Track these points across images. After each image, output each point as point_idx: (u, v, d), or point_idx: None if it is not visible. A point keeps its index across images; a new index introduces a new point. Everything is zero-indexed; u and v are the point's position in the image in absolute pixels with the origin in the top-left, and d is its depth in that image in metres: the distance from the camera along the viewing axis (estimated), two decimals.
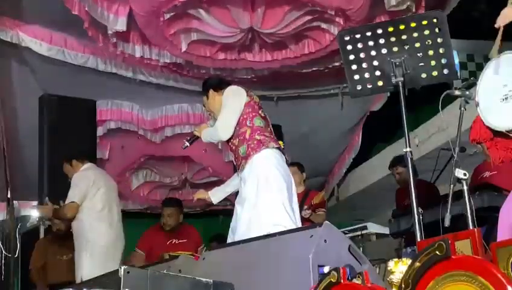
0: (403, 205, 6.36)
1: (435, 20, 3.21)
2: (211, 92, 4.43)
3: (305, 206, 6.20)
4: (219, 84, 4.52)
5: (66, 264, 6.42)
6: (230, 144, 4.29)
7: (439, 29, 3.20)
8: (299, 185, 6.49)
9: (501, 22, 2.95)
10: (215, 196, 4.65)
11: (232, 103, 4.24)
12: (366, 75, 3.38)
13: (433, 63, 3.27)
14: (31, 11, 7.21)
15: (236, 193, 4.45)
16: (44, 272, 6.48)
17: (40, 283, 6.56)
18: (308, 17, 7.17)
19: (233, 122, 4.21)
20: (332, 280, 2.21)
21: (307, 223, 5.93)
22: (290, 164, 6.66)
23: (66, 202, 5.52)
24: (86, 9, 6.77)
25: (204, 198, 4.68)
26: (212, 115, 4.48)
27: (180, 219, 6.45)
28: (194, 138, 4.52)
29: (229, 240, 4.15)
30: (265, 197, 3.99)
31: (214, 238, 9.56)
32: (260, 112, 4.29)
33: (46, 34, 7.63)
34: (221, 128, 4.25)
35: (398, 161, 6.65)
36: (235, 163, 4.34)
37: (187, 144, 4.52)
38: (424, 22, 3.22)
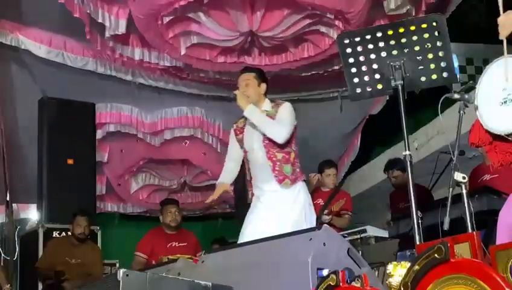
0: (398, 208, 6.36)
1: (434, 24, 3.21)
2: (260, 79, 4.47)
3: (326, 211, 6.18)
4: (267, 82, 4.56)
5: (74, 268, 6.38)
6: (269, 150, 4.31)
7: (439, 33, 3.20)
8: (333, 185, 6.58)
9: (504, 34, 2.93)
10: (228, 181, 4.75)
11: (293, 120, 4.34)
12: (366, 78, 3.38)
13: (432, 66, 3.27)
14: (31, 14, 7.22)
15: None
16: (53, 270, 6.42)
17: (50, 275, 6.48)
18: (308, 21, 7.18)
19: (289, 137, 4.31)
20: (331, 283, 2.21)
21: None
22: (332, 164, 6.64)
23: None
24: (88, 11, 6.77)
25: (227, 190, 4.70)
26: (243, 91, 4.40)
27: None
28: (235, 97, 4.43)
29: None
30: (312, 222, 4.27)
31: (216, 241, 9.56)
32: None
33: (46, 36, 7.63)
34: (285, 134, 4.27)
35: (393, 163, 6.65)
36: (260, 168, 4.36)
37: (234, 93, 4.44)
38: (424, 25, 3.22)
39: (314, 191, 6.31)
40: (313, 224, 4.26)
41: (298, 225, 4.10)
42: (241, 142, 4.51)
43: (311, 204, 4.38)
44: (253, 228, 4.24)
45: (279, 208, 4.25)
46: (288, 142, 4.29)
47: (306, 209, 4.29)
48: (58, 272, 6.16)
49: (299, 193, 4.28)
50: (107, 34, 7.14)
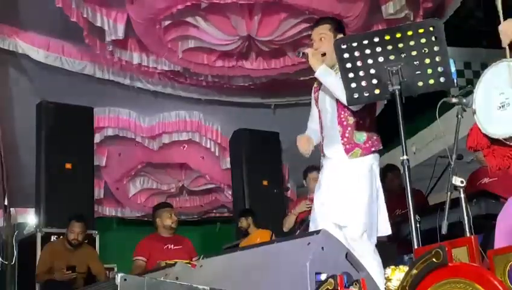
0: (394, 215, 6.35)
1: (431, 29, 3.21)
2: (337, 31, 3.93)
3: None
4: (344, 32, 4.03)
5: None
6: (341, 113, 3.85)
7: (436, 38, 3.20)
8: None
9: (506, 42, 2.93)
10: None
11: None
12: (363, 83, 3.37)
13: (429, 71, 3.26)
14: (29, 18, 7.22)
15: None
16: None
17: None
18: (305, 25, 7.18)
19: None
20: (329, 287, 2.21)
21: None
22: (315, 168, 6.42)
23: None
24: (85, 16, 6.78)
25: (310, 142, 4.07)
26: (317, 49, 3.92)
27: None
28: (305, 57, 3.91)
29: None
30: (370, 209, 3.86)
31: None
32: None
33: (44, 41, 7.64)
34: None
35: (391, 166, 6.67)
36: (328, 132, 3.96)
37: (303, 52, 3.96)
38: (421, 30, 3.22)
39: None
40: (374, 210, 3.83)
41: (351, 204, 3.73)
42: (316, 101, 4.05)
43: (380, 186, 3.84)
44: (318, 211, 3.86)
45: (341, 182, 3.81)
46: (366, 106, 3.76)
47: (372, 187, 3.77)
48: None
49: (371, 167, 3.77)
50: (107, 39, 7.15)
